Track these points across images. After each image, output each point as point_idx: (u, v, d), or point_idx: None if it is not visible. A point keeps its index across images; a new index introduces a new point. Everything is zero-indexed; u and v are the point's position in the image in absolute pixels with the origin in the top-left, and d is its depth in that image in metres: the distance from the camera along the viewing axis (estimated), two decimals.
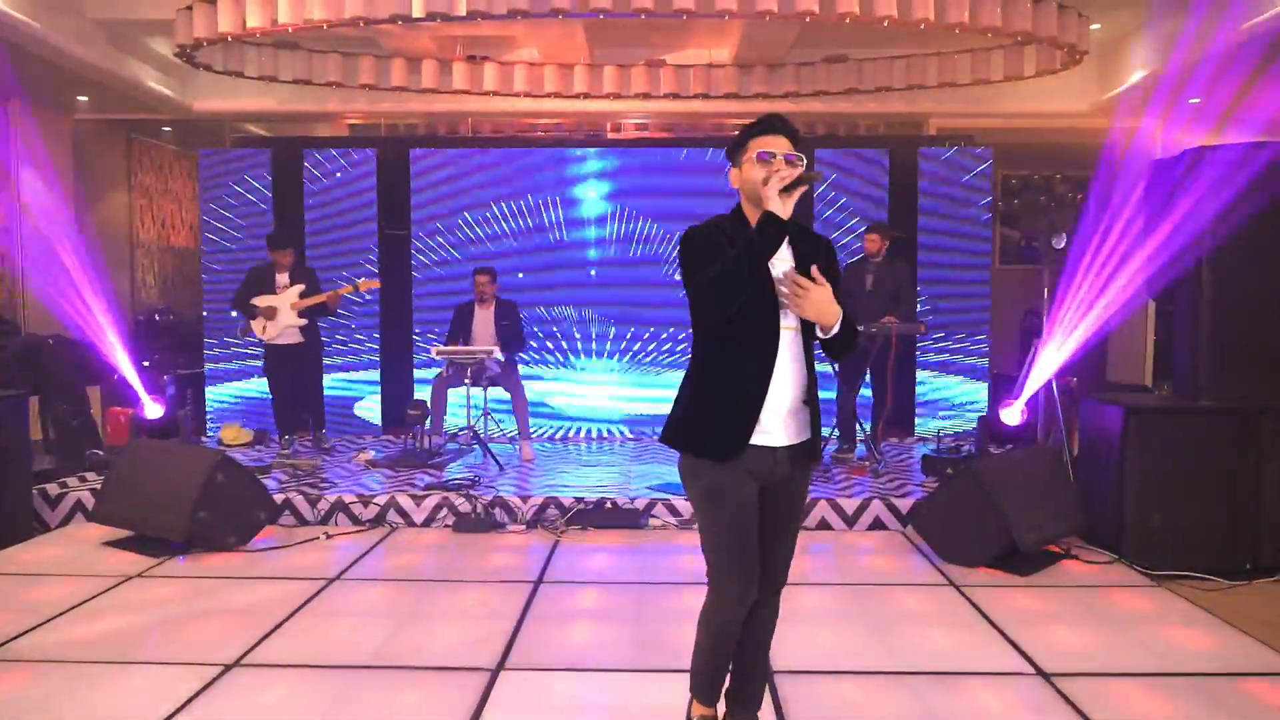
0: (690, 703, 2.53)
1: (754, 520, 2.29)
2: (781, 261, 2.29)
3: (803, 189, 2.22)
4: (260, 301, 6.21)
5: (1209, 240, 4.31)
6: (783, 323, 2.26)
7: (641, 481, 5.52)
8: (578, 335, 7.24)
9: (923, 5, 5.50)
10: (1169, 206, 4.57)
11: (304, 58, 7.34)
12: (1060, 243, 5.52)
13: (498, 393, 6.48)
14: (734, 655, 2.46)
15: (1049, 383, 5.45)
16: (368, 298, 7.13)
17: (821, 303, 2.19)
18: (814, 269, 2.22)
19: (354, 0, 5.54)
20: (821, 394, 2.43)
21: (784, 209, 2.17)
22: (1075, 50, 6.04)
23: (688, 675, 3.03)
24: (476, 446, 6.21)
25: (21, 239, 8.20)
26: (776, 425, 2.26)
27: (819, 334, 2.26)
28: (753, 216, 2.26)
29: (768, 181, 2.18)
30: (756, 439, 2.25)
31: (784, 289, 2.22)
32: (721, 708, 2.53)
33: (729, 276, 2.16)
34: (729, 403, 2.25)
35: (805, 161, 2.29)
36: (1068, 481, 4.71)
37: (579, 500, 5.01)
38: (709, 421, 2.28)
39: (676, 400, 2.38)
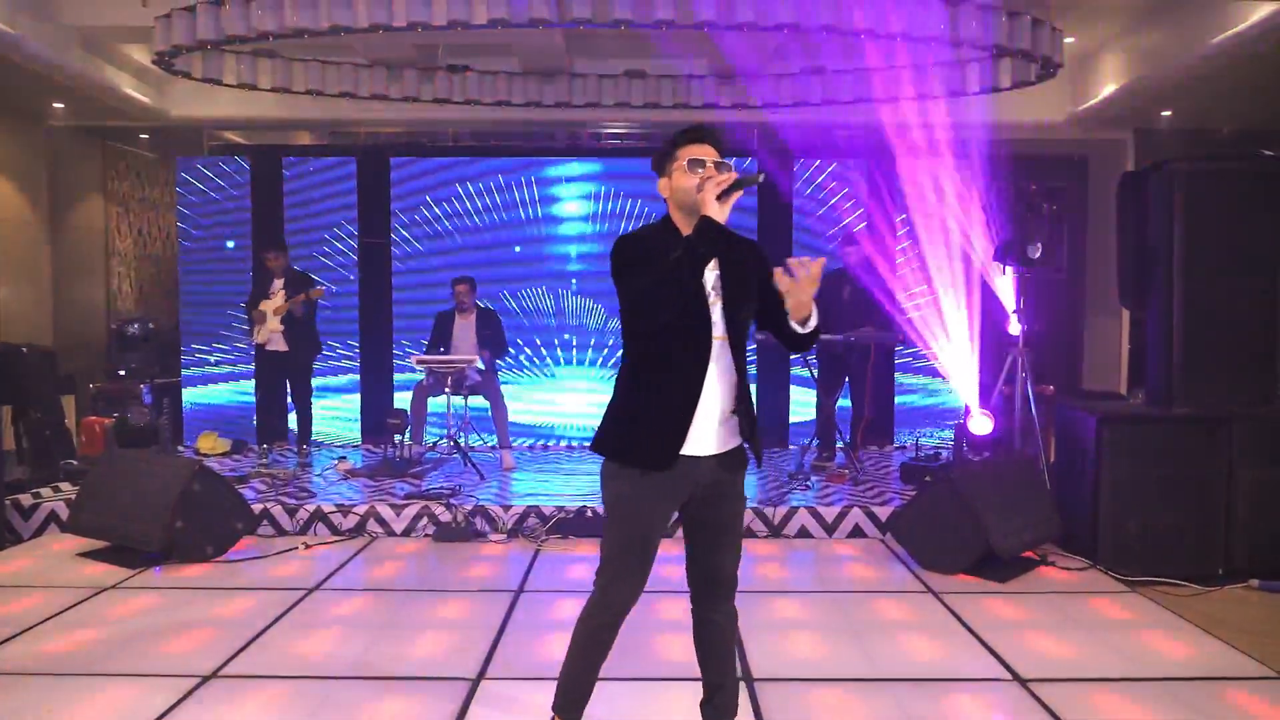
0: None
1: (660, 529, 2.34)
2: (708, 271, 2.26)
3: (739, 193, 2.23)
4: (261, 306, 6.35)
5: (1179, 250, 4.38)
6: (713, 331, 2.26)
7: None
8: (557, 344, 7.25)
9: (899, 19, 5.56)
10: (1141, 217, 4.65)
11: (283, 65, 7.29)
12: (1035, 252, 5.58)
13: (478, 401, 6.46)
14: (702, 666, 2.48)
15: (1025, 391, 5.51)
16: (303, 308, 6.79)
17: (803, 300, 2.20)
18: (803, 260, 2.21)
19: (333, 8, 5.52)
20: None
21: (721, 213, 2.19)
22: (1050, 63, 6.13)
23: (673, 684, 3.03)
24: (457, 455, 6.19)
25: None
26: (705, 434, 2.26)
27: (796, 327, 2.26)
28: (683, 224, 2.29)
29: (702, 187, 2.20)
30: (686, 448, 2.25)
31: (714, 299, 2.24)
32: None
33: (667, 283, 2.16)
34: (659, 413, 2.25)
35: (731, 167, 2.32)
36: (1044, 489, 4.77)
37: (560, 509, 5.00)
38: (638, 431, 2.28)
39: (607, 408, 2.38)
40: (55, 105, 8.31)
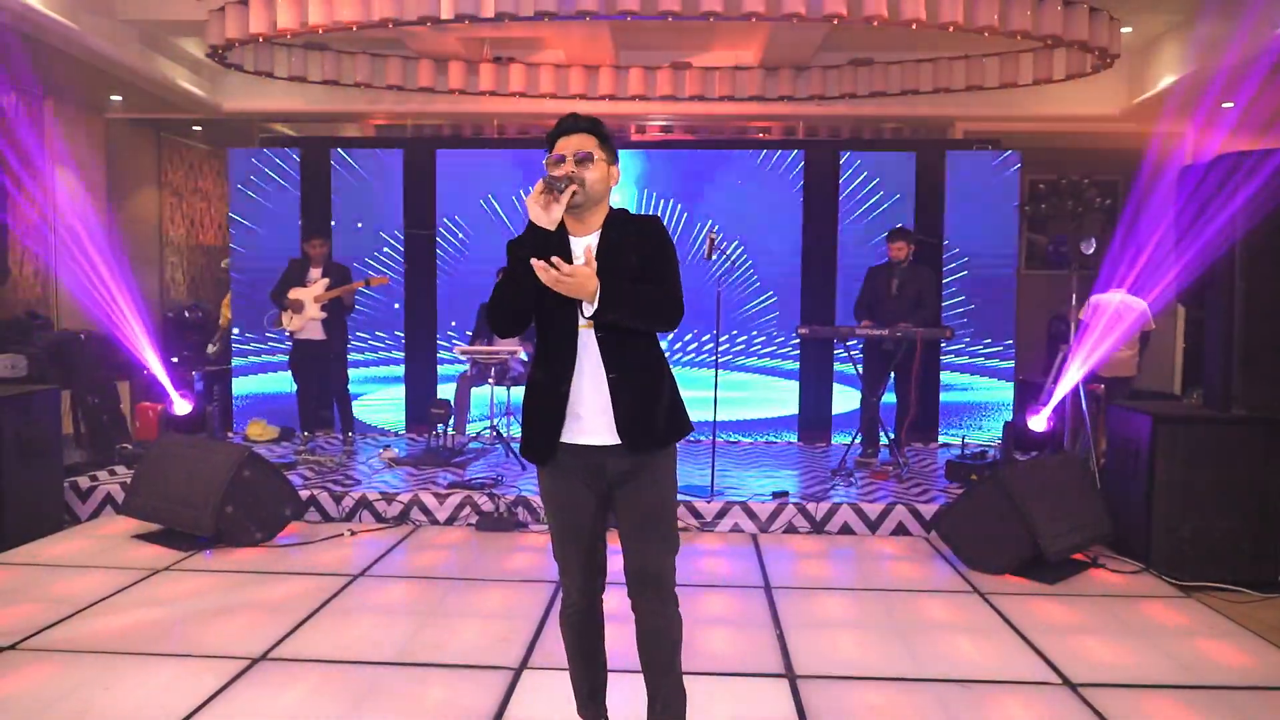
0: None
1: (584, 519, 2.32)
2: (579, 259, 2.23)
3: (571, 191, 2.17)
4: (291, 294, 6.28)
5: (1241, 247, 4.25)
6: (582, 321, 2.22)
7: None
8: None
9: (951, 8, 5.46)
10: (1200, 213, 4.52)
11: (333, 58, 7.40)
12: (1088, 248, 5.46)
13: (521, 391, 6.50)
14: (642, 669, 2.40)
15: (1076, 389, 5.39)
16: (372, 291, 7.08)
17: (575, 284, 2.10)
18: (587, 249, 2.21)
19: (383, 2, 5.58)
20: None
21: (546, 218, 2.16)
22: (1106, 54, 5.98)
23: (707, 677, 3.04)
24: (499, 446, 6.23)
25: (55, 236, 8.32)
26: (597, 423, 2.24)
27: (581, 311, 2.19)
28: (569, 220, 2.28)
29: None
30: (575, 438, 2.26)
31: (541, 276, 2.14)
32: None
33: (497, 292, 2.25)
34: (538, 405, 2.30)
35: (596, 159, 2.25)
36: (1095, 490, 4.66)
37: None
38: (528, 427, 2.33)
39: None
40: (113, 98, 8.52)
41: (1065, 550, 4.22)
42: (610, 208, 2.34)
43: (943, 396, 7.21)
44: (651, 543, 2.32)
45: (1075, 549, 4.32)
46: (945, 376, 7.21)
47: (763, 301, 7.16)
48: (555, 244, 2.17)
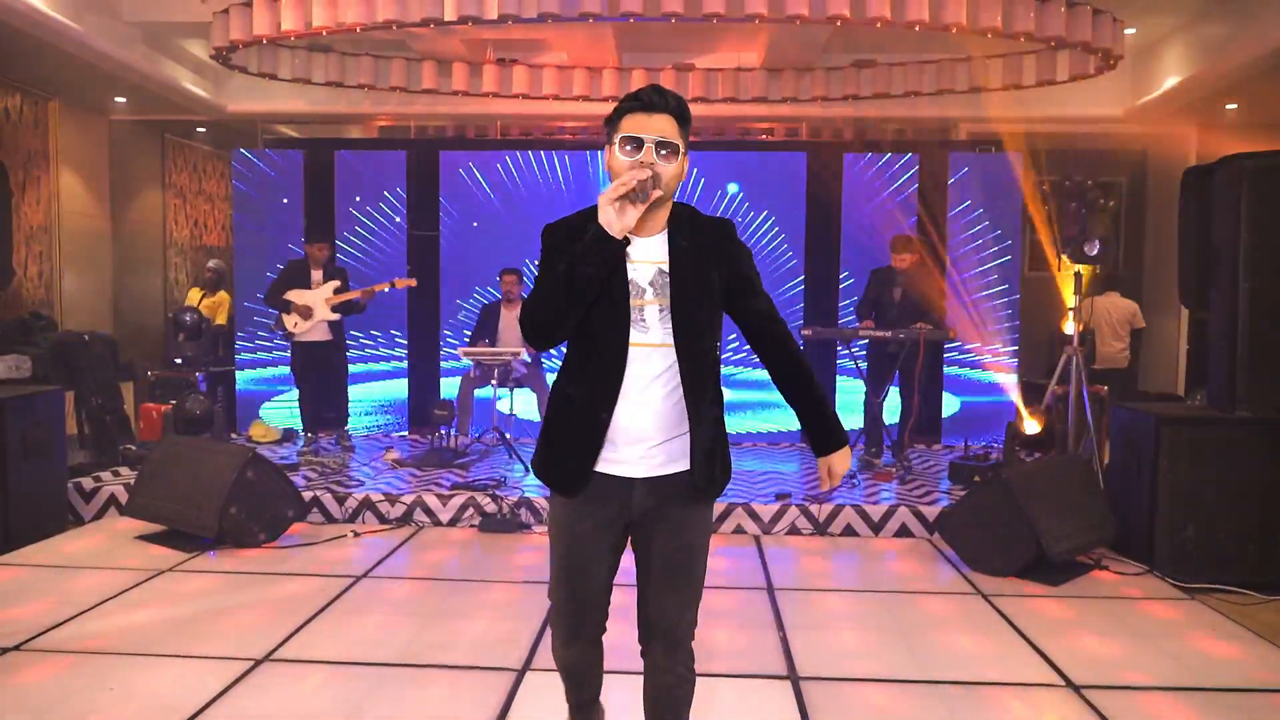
0: None
1: (590, 561, 2.04)
2: (646, 266, 1.93)
3: (658, 195, 1.84)
4: (295, 297, 6.22)
5: (1245, 247, 4.24)
6: (634, 339, 1.92)
7: None
8: None
9: (954, 10, 5.46)
10: (1205, 213, 4.51)
11: (336, 60, 7.42)
12: (1093, 249, 5.46)
13: (524, 393, 6.51)
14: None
15: (1079, 391, 5.39)
16: (388, 292, 7.10)
17: (841, 463, 2.04)
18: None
19: (387, 3, 5.59)
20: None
21: (619, 223, 1.80)
22: (1110, 55, 5.98)
23: (712, 679, 3.04)
24: (502, 447, 6.24)
25: (59, 237, 8.34)
26: (632, 453, 1.95)
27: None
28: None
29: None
30: (607, 468, 1.97)
31: (650, 299, 1.91)
32: None
33: (543, 303, 1.88)
34: (572, 429, 1.98)
35: (680, 151, 1.90)
36: (1099, 491, 4.66)
37: None
38: (554, 449, 2.02)
39: None
40: (118, 100, 8.54)
41: (1069, 552, 4.22)
42: (673, 203, 1.99)
43: (945, 398, 7.21)
44: (677, 593, 2.05)
45: (1079, 550, 4.31)
46: (949, 375, 7.21)
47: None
48: (623, 258, 1.88)
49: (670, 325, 1.93)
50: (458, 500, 5.06)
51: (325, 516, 5.06)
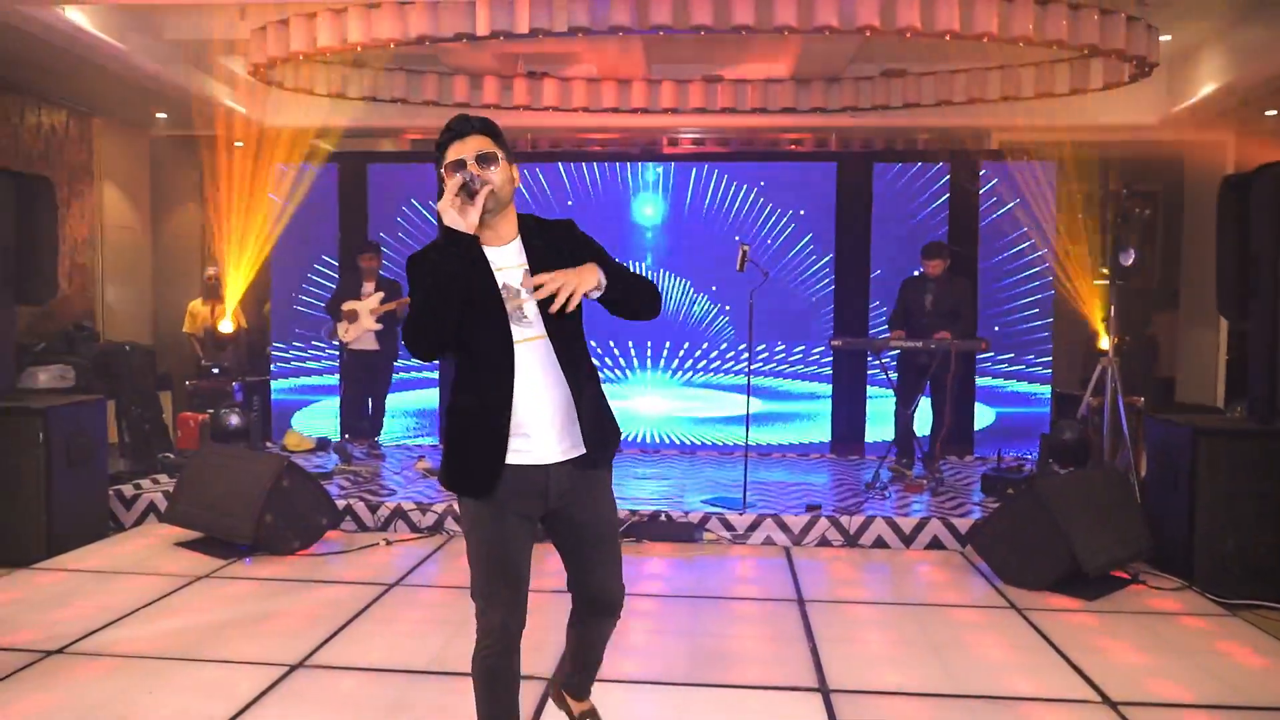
0: None
1: (517, 551, 2.15)
2: (512, 270, 2.12)
3: (488, 190, 2.03)
4: (346, 306, 6.52)
5: None
6: (518, 335, 2.10)
7: (696, 495, 5.52)
8: (632, 346, 7.29)
9: (986, 18, 5.43)
10: (1243, 222, 4.44)
11: (370, 75, 7.54)
12: (1128, 259, 5.39)
13: None
14: (569, 652, 2.49)
15: (1115, 403, 5.31)
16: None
17: (576, 282, 2.01)
18: (538, 277, 2.03)
19: (420, 19, 5.68)
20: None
21: (465, 221, 2.00)
22: (1144, 62, 5.90)
23: (741, 691, 3.03)
24: None
25: (102, 250, 8.54)
26: (541, 441, 2.10)
27: (595, 297, 2.09)
28: (480, 234, 2.08)
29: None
30: (518, 458, 2.10)
31: (526, 297, 2.08)
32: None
33: (420, 312, 2.04)
34: (475, 435, 2.11)
35: (499, 158, 2.09)
36: (1135, 504, 4.58)
37: (633, 513, 5.03)
38: (460, 458, 2.13)
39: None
40: (159, 115, 8.74)
41: (1104, 566, 4.15)
42: (517, 213, 2.20)
43: (978, 409, 7.14)
44: (609, 563, 2.25)
45: (1115, 565, 4.25)
46: (982, 386, 7.14)
47: (794, 313, 7.15)
48: (477, 253, 2.05)
49: (544, 317, 2.11)
50: None
51: (358, 525, 5.12)
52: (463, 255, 2.02)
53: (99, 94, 7.90)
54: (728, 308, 7.10)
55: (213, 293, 8.17)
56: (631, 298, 2.20)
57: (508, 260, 2.14)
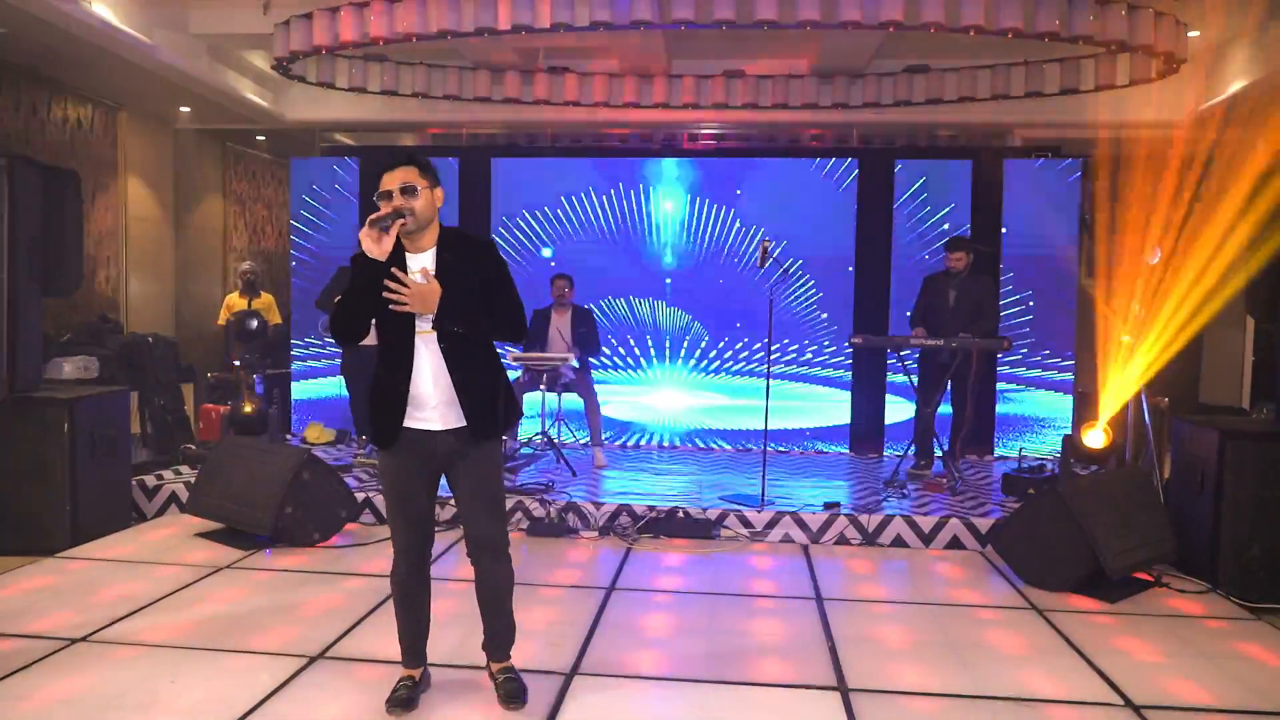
0: None
1: (416, 493, 2.73)
2: (418, 273, 2.61)
3: (400, 224, 2.53)
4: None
5: None
6: (419, 328, 2.63)
7: (714, 492, 5.51)
8: (651, 343, 7.28)
9: (1011, 14, 5.37)
10: (1273, 221, 4.38)
11: (391, 69, 7.57)
12: (1153, 258, 5.32)
13: (572, 398, 6.55)
14: (481, 612, 2.90)
15: (1140, 402, 5.25)
16: None
17: (419, 298, 2.54)
18: (424, 270, 2.60)
19: (440, 13, 5.69)
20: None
21: (378, 250, 2.52)
22: (1173, 59, 5.83)
23: (759, 688, 3.02)
24: (550, 451, 6.28)
25: (126, 243, 8.62)
26: (431, 413, 2.66)
27: (420, 324, 2.62)
28: (405, 241, 2.66)
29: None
30: (415, 424, 2.67)
31: (390, 295, 2.54)
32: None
33: (340, 309, 2.65)
34: (383, 399, 2.69)
35: (420, 188, 2.58)
36: (1158, 506, 4.53)
37: (651, 509, 5.02)
38: (373, 414, 2.72)
39: None
40: (183, 110, 8.82)
41: (1127, 568, 4.11)
42: (441, 226, 2.70)
43: (999, 408, 7.08)
44: (486, 513, 2.78)
45: (1137, 567, 4.20)
46: (1002, 388, 7.08)
47: (816, 310, 7.11)
48: (384, 272, 2.53)
49: (433, 317, 2.60)
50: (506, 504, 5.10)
51: (377, 517, 5.14)
52: (371, 275, 2.54)
53: (125, 88, 7.98)
54: (750, 302, 7.09)
55: (253, 288, 8.19)
56: (474, 328, 2.66)
57: (420, 266, 2.64)
